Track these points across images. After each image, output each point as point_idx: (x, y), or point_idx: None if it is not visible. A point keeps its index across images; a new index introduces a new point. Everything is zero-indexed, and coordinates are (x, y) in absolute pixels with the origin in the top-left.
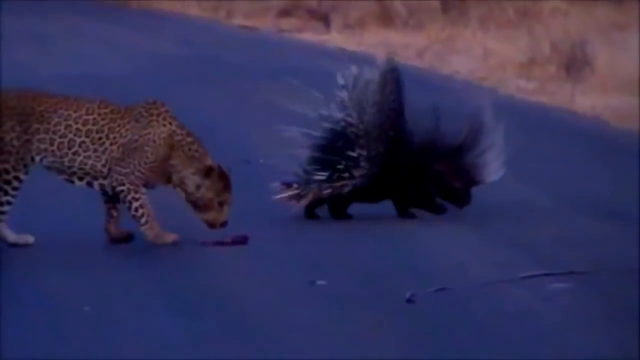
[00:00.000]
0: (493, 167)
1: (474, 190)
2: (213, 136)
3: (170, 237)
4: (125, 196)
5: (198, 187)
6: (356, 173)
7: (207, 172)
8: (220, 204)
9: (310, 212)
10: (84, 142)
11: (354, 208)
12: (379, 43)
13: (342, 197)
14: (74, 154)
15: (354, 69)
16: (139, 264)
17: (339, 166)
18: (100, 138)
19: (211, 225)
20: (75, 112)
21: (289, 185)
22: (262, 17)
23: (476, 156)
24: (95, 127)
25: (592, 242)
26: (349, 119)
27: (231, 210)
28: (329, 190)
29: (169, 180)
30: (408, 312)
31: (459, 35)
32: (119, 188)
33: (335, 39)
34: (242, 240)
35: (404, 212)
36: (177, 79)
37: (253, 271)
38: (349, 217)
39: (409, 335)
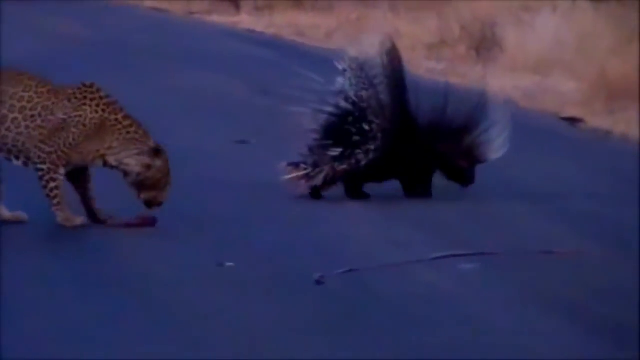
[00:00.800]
0: (496, 144)
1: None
2: None
3: (79, 220)
4: (43, 175)
5: (148, 167)
6: (370, 146)
7: (156, 152)
8: (165, 184)
9: (317, 193)
10: (16, 118)
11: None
12: (288, 24)
13: (357, 175)
14: (7, 129)
15: (352, 51)
16: (48, 247)
17: (355, 138)
18: (32, 116)
19: (151, 204)
20: (13, 88)
21: (296, 166)
22: (173, 0)
23: (480, 135)
24: (29, 105)
25: (504, 223)
26: (358, 95)
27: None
28: (344, 167)
29: (104, 162)
30: (317, 294)
31: (368, 16)
32: (40, 166)
33: (245, 20)
34: (150, 222)
35: (410, 191)
36: (87, 62)
37: (161, 253)
38: (366, 195)
39: (318, 317)
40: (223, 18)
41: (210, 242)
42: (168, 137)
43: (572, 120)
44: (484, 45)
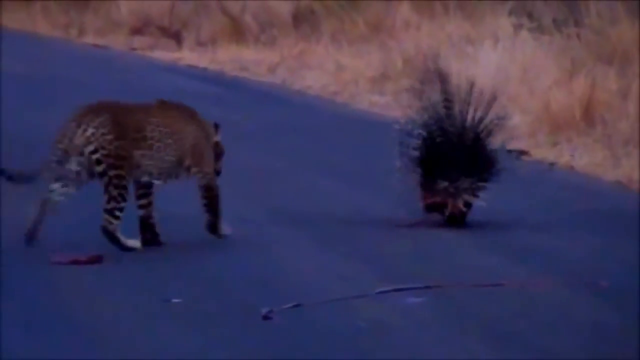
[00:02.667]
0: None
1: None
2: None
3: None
4: None
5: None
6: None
7: (216, 127)
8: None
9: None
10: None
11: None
12: (230, 59)
13: None
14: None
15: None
16: None
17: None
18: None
19: (219, 173)
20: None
21: (432, 192)
22: (114, 35)
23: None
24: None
25: (446, 254)
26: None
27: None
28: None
29: None
30: (265, 329)
31: (311, 50)
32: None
33: (187, 56)
34: (96, 259)
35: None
36: (25, 99)
37: (107, 289)
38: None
39: (265, 352)
40: (165, 54)
41: (156, 277)
42: None
43: (517, 152)
44: (427, 78)
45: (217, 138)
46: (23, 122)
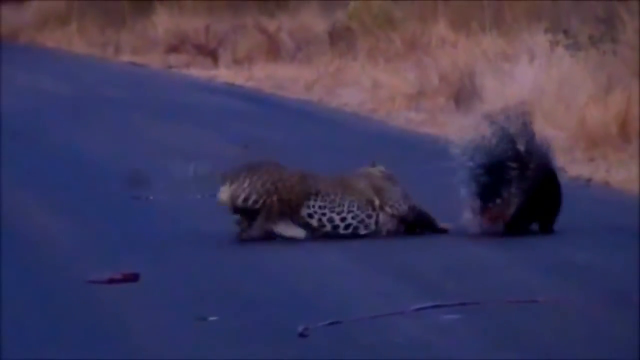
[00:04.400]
0: None
1: None
2: (102, 174)
3: None
4: None
5: None
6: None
7: None
8: None
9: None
10: None
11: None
12: (267, 77)
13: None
14: None
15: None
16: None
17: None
18: None
19: None
20: None
21: (486, 208)
22: (151, 54)
23: None
24: None
25: (483, 271)
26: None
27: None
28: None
29: None
30: (301, 346)
31: (347, 67)
32: None
33: (223, 74)
34: (133, 278)
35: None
36: (65, 117)
37: (144, 307)
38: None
39: None
40: (201, 71)
41: (192, 295)
42: (150, 190)
43: None
44: (463, 94)
45: None
46: (60, 141)
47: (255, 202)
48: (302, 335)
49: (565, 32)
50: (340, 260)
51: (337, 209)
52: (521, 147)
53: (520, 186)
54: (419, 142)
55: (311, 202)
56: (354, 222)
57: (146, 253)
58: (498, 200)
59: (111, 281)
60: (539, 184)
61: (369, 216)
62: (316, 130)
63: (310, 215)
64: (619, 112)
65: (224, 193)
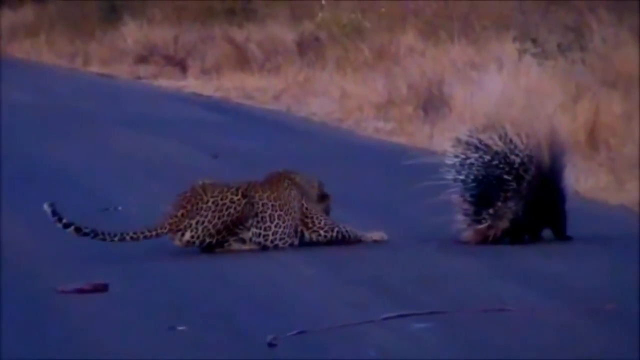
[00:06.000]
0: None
1: None
2: (71, 184)
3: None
4: None
5: None
6: (526, 176)
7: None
8: None
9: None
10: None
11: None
12: (235, 87)
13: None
14: None
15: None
16: None
17: (507, 176)
18: None
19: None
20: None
21: (478, 221)
22: (119, 64)
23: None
24: None
25: (453, 280)
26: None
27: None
28: (517, 206)
29: None
30: (270, 356)
31: (315, 77)
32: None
33: (192, 84)
34: (102, 288)
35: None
36: (32, 128)
37: (113, 317)
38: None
39: None
40: (170, 82)
41: (161, 306)
42: (117, 202)
43: None
44: (432, 103)
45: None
46: (27, 153)
47: (211, 240)
48: (271, 345)
49: (534, 40)
50: (310, 270)
51: (270, 237)
52: (516, 159)
53: (516, 199)
54: (387, 151)
55: (250, 226)
56: (280, 244)
57: (115, 264)
58: (489, 214)
59: (80, 291)
60: (537, 194)
61: (295, 238)
62: (285, 140)
63: (244, 238)
64: (587, 120)
65: (180, 242)
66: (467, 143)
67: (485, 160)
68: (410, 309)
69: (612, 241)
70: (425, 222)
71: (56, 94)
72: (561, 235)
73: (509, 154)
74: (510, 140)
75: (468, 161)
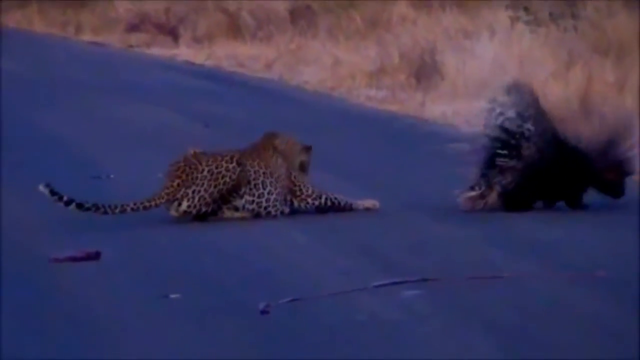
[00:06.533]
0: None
1: None
2: (63, 153)
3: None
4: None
5: None
6: (525, 152)
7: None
8: None
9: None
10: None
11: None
12: (227, 56)
13: (517, 191)
14: None
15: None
16: None
17: (512, 141)
18: None
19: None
20: None
21: (472, 189)
22: (111, 33)
23: (626, 150)
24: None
25: (444, 247)
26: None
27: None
28: (508, 180)
29: None
30: (262, 324)
31: (308, 46)
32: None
33: (184, 52)
34: (95, 256)
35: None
36: (24, 97)
37: (106, 285)
38: (530, 208)
39: (263, 347)
40: (162, 50)
41: (154, 273)
42: (108, 170)
43: None
44: (424, 71)
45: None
46: (19, 122)
47: (207, 209)
48: (263, 312)
49: (526, 8)
50: (302, 238)
51: (263, 204)
52: (528, 125)
53: (519, 164)
54: (379, 119)
55: (243, 194)
56: (273, 211)
57: (108, 231)
58: (500, 179)
59: (73, 259)
60: (544, 160)
61: (286, 205)
62: (277, 108)
63: (237, 206)
64: (579, 88)
65: (176, 212)
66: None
67: (501, 121)
68: (402, 276)
69: (604, 208)
70: (418, 189)
71: (48, 62)
72: (575, 204)
73: (523, 117)
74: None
75: (501, 117)
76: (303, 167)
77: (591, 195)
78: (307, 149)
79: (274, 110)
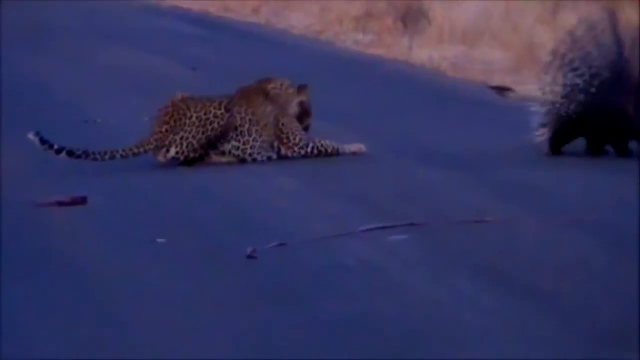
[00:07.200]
0: None
1: None
2: (50, 98)
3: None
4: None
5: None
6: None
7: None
8: None
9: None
10: None
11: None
12: (215, 1)
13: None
14: None
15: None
16: None
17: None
18: None
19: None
20: None
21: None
22: None
23: None
24: None
25: (431, 192)
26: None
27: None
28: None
29: None
30: (249, 268)
31: None
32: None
33: None
34: (81, 201)
35: (598, 150)
36: (12, 43)
37: (93, 230)
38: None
39: (251, 292)
40: None
41: (141, 219)
42: (96, 115)
43: (501, 89)
44: (411, 16)
45: (303, 98)
46: (7, 68)
47: (195, 155)
48: (250, 257)
49: None
50: (290, 184)
51: (249, 151)
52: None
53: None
54: (366, 63)
55: (230, 139)
56: (259, 158)
57: (94, 177)
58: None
59: (60, 204)
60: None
61: (273, 152)
62: (264, 53)
63: (224, 151)
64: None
65: (164, 158)
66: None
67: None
68: (389, 221)
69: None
70: (405, 135)
71: (37, 9)
72: (622, 151)
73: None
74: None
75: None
76: (304, 108)
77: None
78: (303, 88)
79: (261, 55)
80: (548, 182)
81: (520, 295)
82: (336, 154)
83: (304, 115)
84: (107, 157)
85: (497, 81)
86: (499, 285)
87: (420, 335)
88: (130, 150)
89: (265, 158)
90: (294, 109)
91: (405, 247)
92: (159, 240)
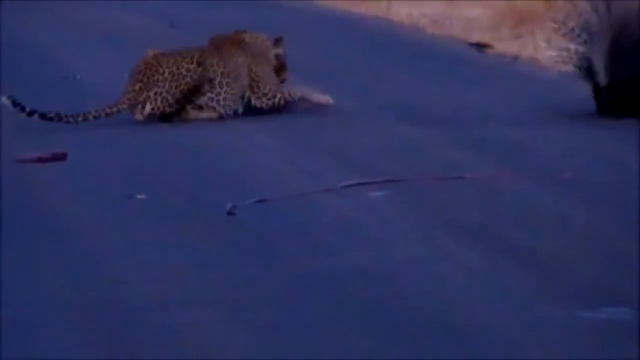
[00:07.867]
0: None
1: None
2: (30, 55)
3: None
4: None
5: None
6: None
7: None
8: None
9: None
10: None
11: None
12: None
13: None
14: None
15: None
16: None
17: None
18: None
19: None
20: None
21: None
22: None
23: None
24: None
25: (410, 149)
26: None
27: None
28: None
29: None
30: (229, 224)
31: None
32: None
33: None
34: (61, 157)
35: None
36: None
37: (72, 186)
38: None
39: (230, 248)
40: None
41: (120, 174)
42: (75, 71)
43: (480, 46)
44: None
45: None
46: None
47: (171, 109)
48: (230, 213)
49: None
50: (267, 140)
51: (221, 102)
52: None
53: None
54: (347, 21)
55: (205, 92)
56: (227, 111)
57: (74, 132)
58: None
59: (40, 160)
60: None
61: (240, 105)
62: (243, 10)
63: (201, 104)
64: None
65: (140, 115)
66: None
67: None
68: (368, 177)
69: (571, 109)
70: (385, 91)
71: None
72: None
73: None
74: None
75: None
76: (279, 61)
77: None
78: (278, 40)
79: (240, 12)
80: (528, 140)
81: (499, 251)
82: (302, 100)
83: (280, 68)
84: (79, 119)
85: (476, 38)
86: (478, 241)
87: (398, 289)
88: (103, 110)
89: (231, 111)
90: (272, 61)
91: (385, 203)
92: (139, 196)
